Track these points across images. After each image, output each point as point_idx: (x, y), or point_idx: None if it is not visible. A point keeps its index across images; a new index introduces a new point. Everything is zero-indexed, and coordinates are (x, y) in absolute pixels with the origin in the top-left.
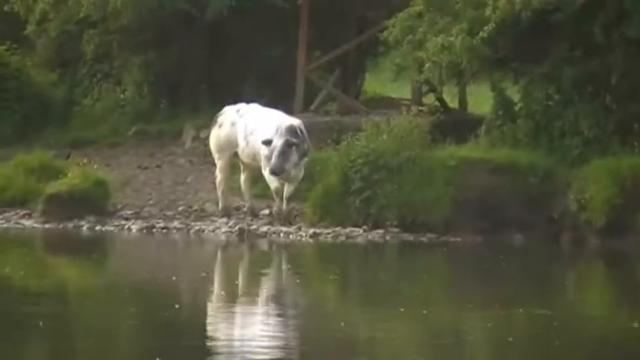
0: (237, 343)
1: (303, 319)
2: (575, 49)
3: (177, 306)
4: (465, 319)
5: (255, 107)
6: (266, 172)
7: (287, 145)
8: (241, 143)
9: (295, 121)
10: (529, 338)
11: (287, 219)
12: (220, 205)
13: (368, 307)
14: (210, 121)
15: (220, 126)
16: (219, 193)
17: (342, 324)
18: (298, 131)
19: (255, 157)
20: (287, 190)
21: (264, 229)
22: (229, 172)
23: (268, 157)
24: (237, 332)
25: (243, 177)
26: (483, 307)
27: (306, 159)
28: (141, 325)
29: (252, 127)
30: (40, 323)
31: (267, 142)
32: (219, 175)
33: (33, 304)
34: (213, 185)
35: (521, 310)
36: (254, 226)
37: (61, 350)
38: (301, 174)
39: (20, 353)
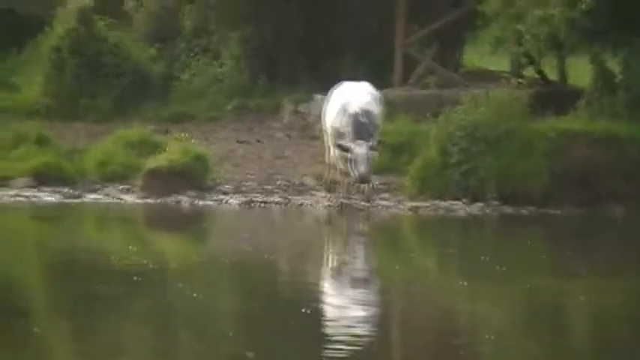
0: (335, 319)
1: (406, 293)
2: None
3: (279, 281)
4: (565, 292)
5: (350, 86)
6: (335, 152)
7: (369, 151)
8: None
9: (358, 107)
10: (630, 311)
11: (369, 197)
12: (325, 177)
13: (469, 281)
14: (307, 95)
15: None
16: (326, 168)
17: (442, 298)
18: (362, 117)
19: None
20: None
21: (364, 202)
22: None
23: (351, 162)
24: (336, 308)
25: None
26: (584, 280)
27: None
28: (241, 302)
29: (326, 110)
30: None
31: (346, 149)
32: (326, 151)
33: (134, 282)
34: (312, 159)
35: (621, 283)
36: (353, 200)
37: (165, 328)
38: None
39: (122, 332)
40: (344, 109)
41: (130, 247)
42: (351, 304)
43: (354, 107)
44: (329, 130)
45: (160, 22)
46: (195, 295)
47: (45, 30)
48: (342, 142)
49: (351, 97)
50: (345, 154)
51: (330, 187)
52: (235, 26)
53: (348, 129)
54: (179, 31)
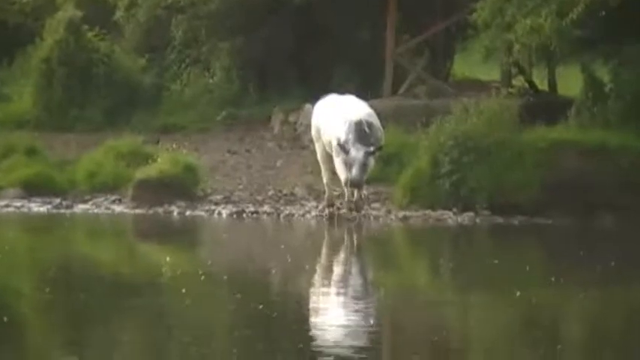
0: (331, 331)
1: (398, 305)
2: None
3: (271, 296)
4: (559, 301)
5: (341, 99)
6: (338, 161)
7: (366, 157)
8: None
9: (362, 117)
10: (625, 320)
11: (359, 207)
12: (326, 194)
13: (461, 292)
14: (298, 105)
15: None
16: (324, 183)
17: (436, 310)
18: (365, 126)
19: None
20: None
21: (354, 213)
22: (330, 161)
23: (347, 165)
24: (331, 320)
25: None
26: (577, 290)
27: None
28: (235, 314)
29: (325, 122)
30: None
31: (345, 151)
32: (321, 166)
33: (126, 294)
34: (303, 169)
35: (615, 292)
36: (343, 211)
37: (157, 342)
38: (373, 162)
39: (113, 345)
40: (346, 120)
41: (120, 259)
42: (347, 318)
43: (358, 116)
44: (333, 142)
45: (150, 32)
46: (186, 307)
47: (35, 41)
48: (344, 145)
49: (353, 109)
50: (342, 156)
51: (332, 202)
52: (226, 37)
53: (349, 136)
54: (169, 42)
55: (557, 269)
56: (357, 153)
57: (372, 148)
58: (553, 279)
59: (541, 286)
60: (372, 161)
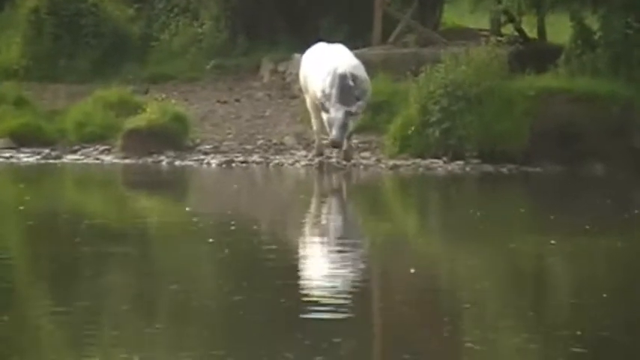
0: (313, 279)
1: (387, 254)
2: None
3: (259, 242)
4: (547, 251)
5: (329, 49)
6: (324, 118)
7: (346, 117)
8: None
9: (347, 69)
10: (611, 270)
11: (348, 156)
12: (315, 143)
13: (451, 241)
14: (287, 54)
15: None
16: (314, 132)
17: (424, 259)
18: (350, 79)
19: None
20: (350, 126)
21: (344, 162)
22: (318, 111)
23: (328, 124)
24: (314, 269)
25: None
26: (566, 238)
27: (360, 102)
28: (223, 263)
29: (310, 73)
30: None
31: (325, 110)
32: (311, 115)
33: (115, 243)
34: (292, 119)
35: (602, 240)
36: (333, 159)
37: (145, 292)
38: (362, 111)
39: (102, 293)
40: (330, 72)
41: (110, 208)
42: (338, 266)
43: (342, 69)
44: (318, 94)
45: None
46: (176, 258)
47: None
48: (324, 102)
49: (339, 60)
50: (324, 114)
51: (322, 151)
52: None
53: (333, 90)
54: None
55: (546, 217)
56: (337, 113)
57: (353, 108)
58: (541, 226)
59: (528, 233)
60: (358, 115)
